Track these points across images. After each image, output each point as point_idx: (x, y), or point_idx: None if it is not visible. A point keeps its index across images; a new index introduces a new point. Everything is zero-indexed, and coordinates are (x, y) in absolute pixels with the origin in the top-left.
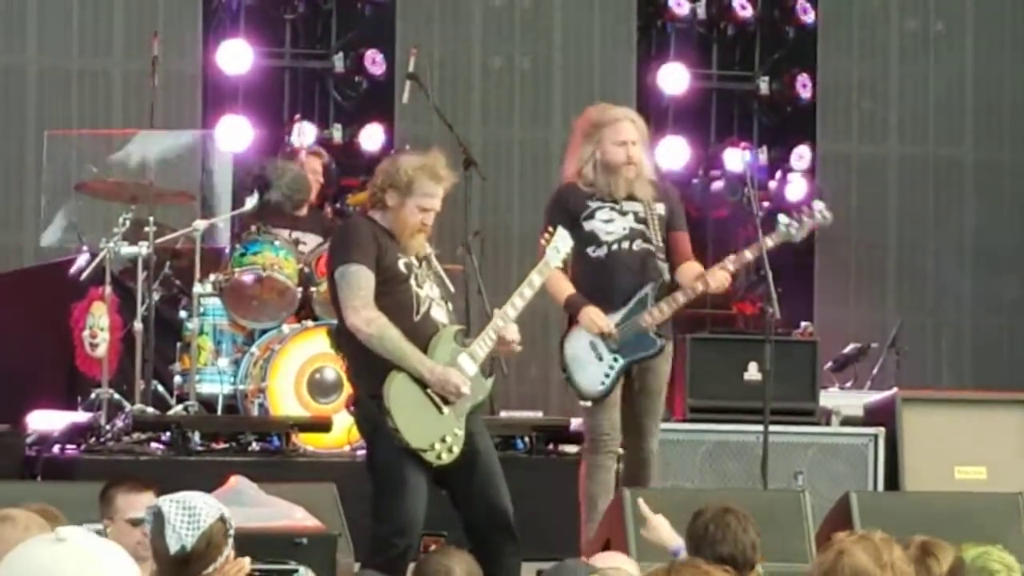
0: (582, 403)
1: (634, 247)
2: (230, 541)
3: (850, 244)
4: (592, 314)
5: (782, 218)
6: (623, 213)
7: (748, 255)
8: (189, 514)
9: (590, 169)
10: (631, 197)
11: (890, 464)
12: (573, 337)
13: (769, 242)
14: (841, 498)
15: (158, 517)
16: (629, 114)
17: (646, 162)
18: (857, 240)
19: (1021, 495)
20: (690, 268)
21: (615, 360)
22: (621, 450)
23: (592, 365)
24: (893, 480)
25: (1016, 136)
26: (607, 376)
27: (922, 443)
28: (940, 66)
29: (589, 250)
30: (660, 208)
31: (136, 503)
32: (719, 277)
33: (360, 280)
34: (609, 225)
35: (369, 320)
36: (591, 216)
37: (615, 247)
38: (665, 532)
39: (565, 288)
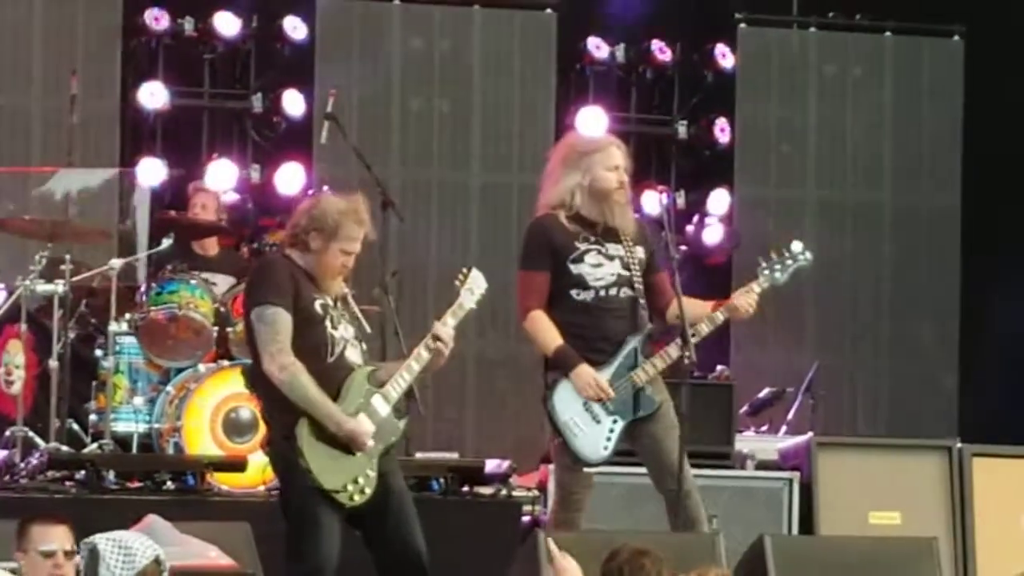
0: (585, 470)
1: (621, 294)
2: None
3: (767, 287)
4: (588, 378)
5: (763, 263)
6: (610, 258)
7: (756, 287)
8: (125, 554)
9: (577, 198)
10: (616, 235)
11: (805, 508)
12: (563, 398)
13: (756, 288)
14: (755, 542)
15: (93, 554)
16: (616, 140)
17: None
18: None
19: (935, 540)
20: (695, 303)
21: (614, 422)
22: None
23: (590, 428)
24: (808, 524)
25: (934, 181)
26: (608, 440)
27: (837, 488)
28: (858, 111)
29: (573, 292)
30: (640, 252)
31: (49, 535)
32: (746, 300)
33: (278, 324)
34: (598, 270)
35: (283, 367)
36: (580, 259)
37: (602, 292)
38: None
39: (553, 336)
